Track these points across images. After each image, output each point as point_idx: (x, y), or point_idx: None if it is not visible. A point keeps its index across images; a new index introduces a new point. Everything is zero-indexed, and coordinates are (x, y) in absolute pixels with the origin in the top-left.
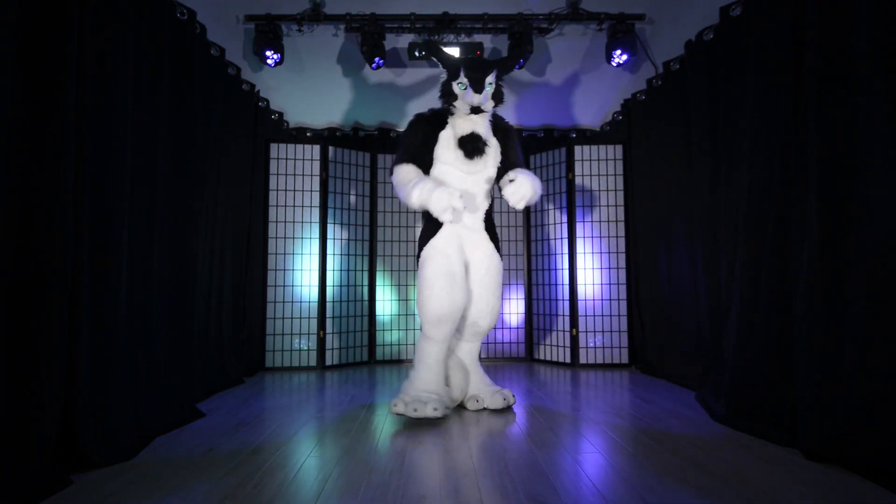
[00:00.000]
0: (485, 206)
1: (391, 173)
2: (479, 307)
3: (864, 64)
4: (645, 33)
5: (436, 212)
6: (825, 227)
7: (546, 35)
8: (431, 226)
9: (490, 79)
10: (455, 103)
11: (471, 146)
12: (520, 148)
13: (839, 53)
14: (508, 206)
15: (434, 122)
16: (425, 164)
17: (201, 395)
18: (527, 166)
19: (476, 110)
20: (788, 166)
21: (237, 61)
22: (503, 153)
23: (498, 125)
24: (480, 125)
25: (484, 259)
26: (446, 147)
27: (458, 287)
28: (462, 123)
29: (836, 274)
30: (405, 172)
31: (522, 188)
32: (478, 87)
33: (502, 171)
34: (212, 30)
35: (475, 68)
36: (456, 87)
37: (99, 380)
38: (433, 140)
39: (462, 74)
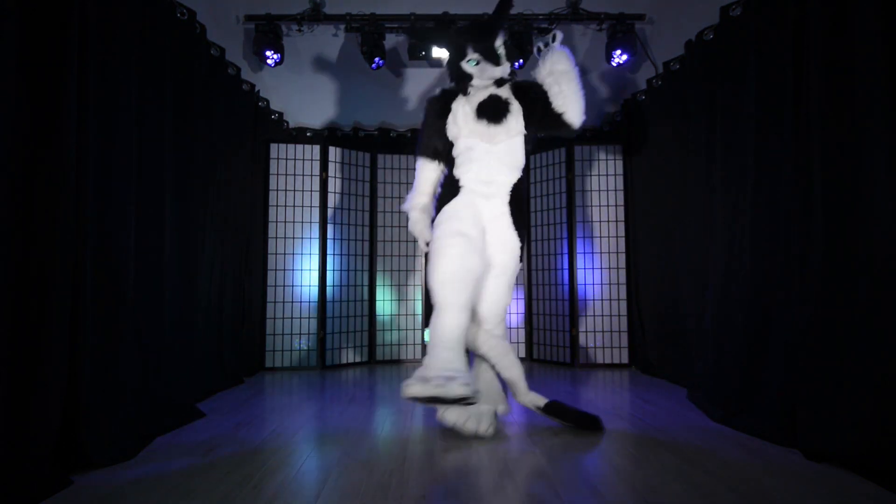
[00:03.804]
0: (507, 186)
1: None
2: (487, 305)
3: (866, 63)
4: (645, 33)
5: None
6: (829, 229)
7: (546, 35)
8: (448, 190)
9: (499, 42)
10: (472, 83)
11: (492, 111)
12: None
13: (840, 53)
14: None
15: (447, 101)
16: (442, 152)
17: (201, 395)
18: (526, 163)
19: (501, 81)
20: (791, 167)
21: (237, 61)
22: (528, 117)
23: (518, 87)
24: (501, 90)
25: (501, 254)
26: (464, 122)
27: (473, 250)
28: (479, 93)
29: (837, 274)
30: (419, 173)
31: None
32: (493, 58)
33: (528, 138)
34: (212, 30)
35: (482, 38)
36: (468, 66)
37: (99, 380)
38: (445, 121)
39: (471, 50)
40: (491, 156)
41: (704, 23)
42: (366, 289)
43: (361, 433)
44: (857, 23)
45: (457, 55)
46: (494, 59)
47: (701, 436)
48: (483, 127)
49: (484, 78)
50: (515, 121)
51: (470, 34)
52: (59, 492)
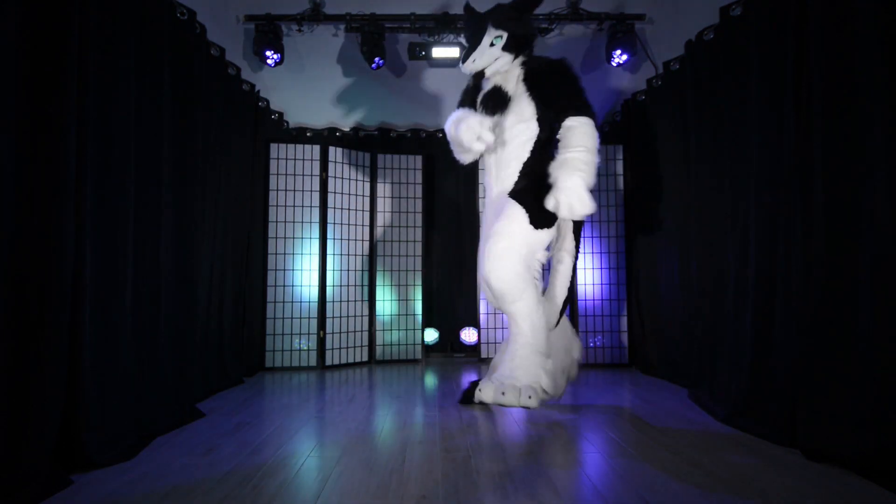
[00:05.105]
0: (514, 177)
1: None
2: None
3: (867, 62)
4: (645, 33)
5: (466, 144)
6: (830, 228)
7: (546, 35)
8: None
9: (489, 38)
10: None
11: (490, 102)
12: (568, 84)
13: (841, 52)
14: None
15: (474, 90)
16: None
17: (201, 395)
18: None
19: (479, 75)
20: (792, 167)
21: (237, 61)
22: (538, 102)
23: (530, 70)
24: (509, 79)
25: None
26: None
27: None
28: (490, 81)
29: (839, 275)
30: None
31: (567, 196)
32: (471, 52)
33: (544, 122)
34: (212, 30)
35: (470, 29)
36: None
37: (100, 380)
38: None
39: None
40: (501, 152)
41: (704, 23)
42: (366, 289)
43: (361, 433)
44: (857, 22)
45: None
46: (470, 56)
47: (701, 436)
48: (487, 120)
49: (465, 72)
50: (517, 114)
51: (466, 22)
52: (59, 492)
